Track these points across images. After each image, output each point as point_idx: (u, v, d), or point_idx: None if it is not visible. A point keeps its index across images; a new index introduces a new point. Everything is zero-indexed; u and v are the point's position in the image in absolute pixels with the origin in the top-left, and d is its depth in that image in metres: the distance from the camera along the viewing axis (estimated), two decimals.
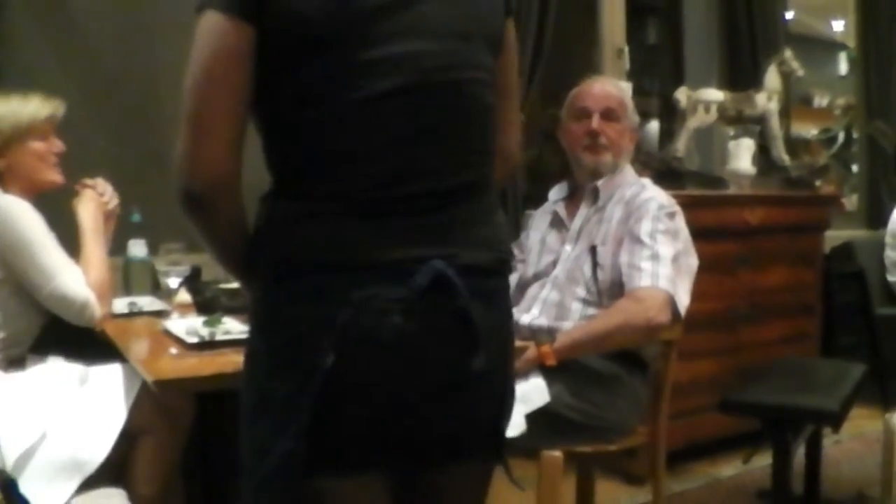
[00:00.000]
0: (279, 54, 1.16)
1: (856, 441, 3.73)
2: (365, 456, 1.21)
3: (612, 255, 2.25)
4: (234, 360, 1.69)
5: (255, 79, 1.18)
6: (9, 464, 1.84)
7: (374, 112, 1.16)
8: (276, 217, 1.22)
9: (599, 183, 2.38)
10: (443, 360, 1.20)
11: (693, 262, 2.32)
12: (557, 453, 2.03)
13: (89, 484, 1.90)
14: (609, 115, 2.37)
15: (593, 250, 2.29)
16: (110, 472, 1.97)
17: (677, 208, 2.31)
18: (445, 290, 1.17)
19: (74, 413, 1.97)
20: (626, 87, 2.58)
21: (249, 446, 1.23)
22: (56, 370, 2.12)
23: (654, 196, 2.31)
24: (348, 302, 1.14)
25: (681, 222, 2.29)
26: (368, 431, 1.19)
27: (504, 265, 1.31)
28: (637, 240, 2.21)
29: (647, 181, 2.43)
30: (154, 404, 2.04)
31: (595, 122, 2.36)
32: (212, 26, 1.16)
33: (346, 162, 1.17)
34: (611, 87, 2.47)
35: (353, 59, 1.16)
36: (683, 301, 2.22)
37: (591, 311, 2.27)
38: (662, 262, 2.17)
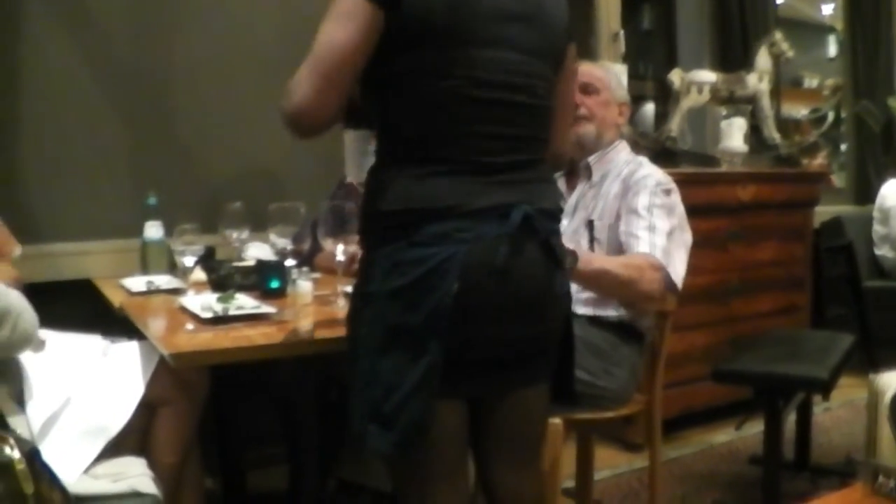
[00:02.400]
0: (400, 38, 1.43)
1: (844, 408, 3.83)
2: (466, 376, 1.51)
3: (609, 229, 2.30)
4: (246, 335, 1.79)
5: (373, 58, 1.44)
6: (35, 429, 1.88)
7: (470, 98, 1.47)
8: (400, 177, 1.49)
9: (591, 159, 2.42)
10: (536, 280, 1.54)
11: (688, 237, 2.35)
12: (558, 420, 2.10)
13: (112, 454, 1.95)
14: (586, 88, 2.41)
15: (590, 224, 2.34)
16: (132, 442, 2.03)
17: (673, 186, 2.35)
18: (531, 227, 1.50)
19: (96, 382, 2.02)
20: (614, 68, 2.63)
21: (384, 373, 1.47)
22: (78, 344, 2.18)
23: (652, 173, 2.35)
24: (465, 239, 1.45)
25: (676, 199, 2.33)
26: (482, 347, 1.50)
27: (561, 212, 1.66)
28: (634, 212, 2.26)
29: (643, 159, 2.47)
30: (171, 377, 2.09)
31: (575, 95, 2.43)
32: (353, 5, 1.41)
33: (454, 135, 1.48)
34: (592, 66, 2.52)
35: (461, 55, 1.46)
36: (679, 272, 2.25)
37: None
38: (658, 234, 2.21)
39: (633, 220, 2.25)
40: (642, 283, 2.14)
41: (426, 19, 1.43)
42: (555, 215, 1.61)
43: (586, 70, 2.45)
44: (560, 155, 1.77)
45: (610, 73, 2.52)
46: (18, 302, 1.76)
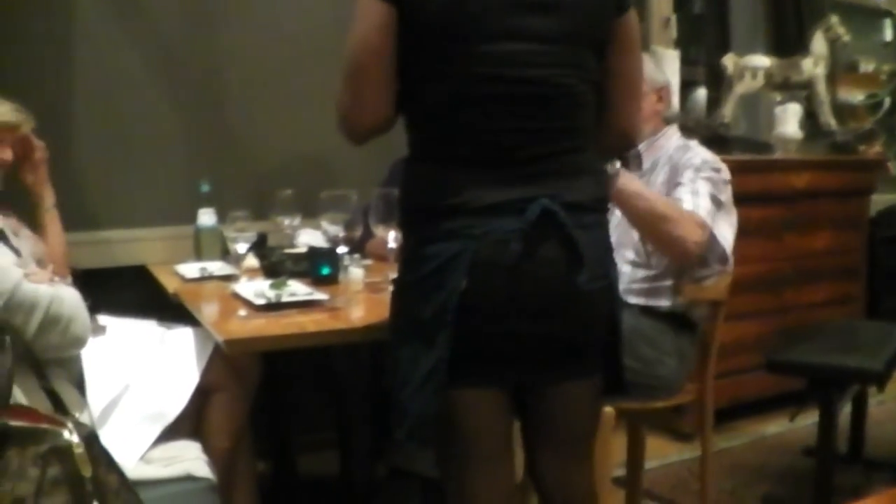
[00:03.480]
0: (413, 34, 1.45)
1: None
2: (492, 367, 1.51)
3: None
4: (298, 321, 1.81)
5: (398, 51, 1.46)
6: (95, 414, 1.93)
7: (483, 94, 1.45)
8: (418, 173, 1.54)
9: (640, 147, 2.39)
10: (553, 278, 1.48)
11: (734, 218, 2.32)
12: (609, 409, 2.07)
13: (168, 438, 1.99)
14: None
15: None
16: (187, 427, 2.07)
17: (723, 166, 2.31)
18: (552, 222, 1.46)
19: (154, 369, 2.07)
20: (656, 53, 2.54)
21: (402, 362, 1.51)
22: (136, 330, 2.22)
23: (699, 153, 2.33)
24: (476, 235, 1.44)
25: (725, 176, 2.29)
26: (496, 343, 1.49)
27: (600, 203, 1.59)
28: (678, 184, 2.24)
29: (693, 143, 2.44)
30: (225, 363, 2.12)
31: None
32: (365, 4, 1.46)
33: (463, 134, 1.48)
34: None
35: (469, 51, 1.45)
36: (727, 240, 2.22)
37: (641, 272, 2.32)
38: (702, 196, 2.18)
39: (678, 189, 2.23)
40: (679, 227, 2.12)
41: (434, 16, 1.43)
42: (587, 207, 1.53)
43: None
44: (625, 130, 1.67)
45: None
46: (71, 309, 1.80)
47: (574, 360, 1.59)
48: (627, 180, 2.10)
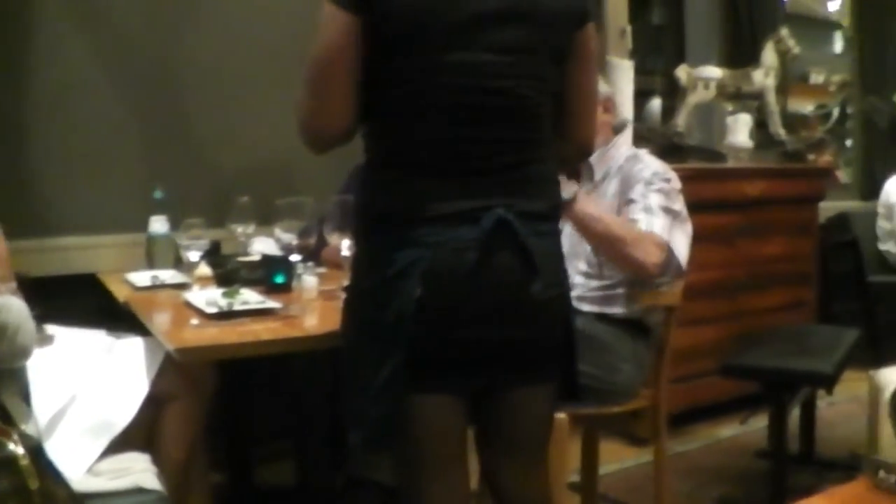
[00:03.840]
0: (378, 44, 1.44)
1: (849, 403, 3.80)
2: (449, 373, 1.51)
3: None
4: (252, 329, 1.79)
5: (362, 61, 1.46)
6: (41, 426, 1.89)
7: (444, 105, 1.46)
8: (374, 180, 1.53)
9: (592, 158, 2.39)
10: (509, 286, 1.50)
11: (688, 227, 2.34)
12: (563, 415, 2.07)
13: (117, 450, 1.94)
14: None
15: None
16: (139, 438, 2.03)
17: (672, 175, 2.34)
18: (507, 231, 1.47)
19: (102, 379, 2.03)
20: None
21: (359, 369, 1.51)
22: (84, 340, 2.18)
23: (648, 164, 2.35)
24: (431, 244, 1.45)
25: (676, 185, 2.32)
26: (452, 350, 1.49)
27: (555, 211, 1.62)
28: (630, 200, 2.26)
29: (642, 152, 2.46)
30: (178, 373, 2.08)
31: None
32: (329, 14, 1.45)
33: (421, 143, 1.48)
34: None
35: (432, 61, 1.45)
36: (682, 253, 2.24)
37: (594, 283, 2.33)
38: (655, 213, 2.21)
39: (630, 207, 2.25)
40: (637, 249, 2.14)
41: (397, 25, 1.43)
42: (543, 216, 1.56)
43: None
44: (581, 141, 1.71)
45: None
46: (17, 317, 1.77)
47: (529, 367, 1.60)
48: (584, 204, 2.13)
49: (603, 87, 2.46)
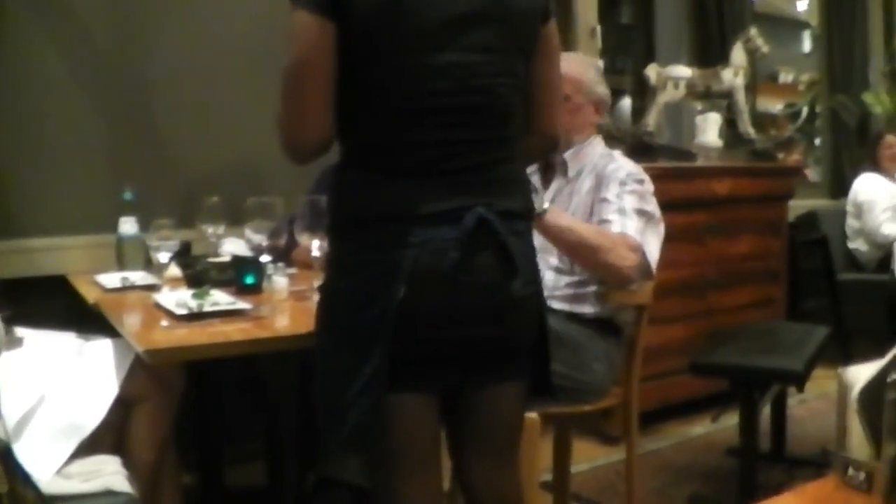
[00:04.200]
0: (352, 50, 1.44)
1: (819, 400, 3.86)
2: (427, 373, 1.51)
3: (585, 221, 2.29)
4: (222, 331, 1.78)
5: (338, 66, 1.45)
6: (9, 428, 1.86)
7: (423, 106, 1.47)
8: (351, 182, 1.53)
9: (567, 155, 2.42)
10: (490, 285, 1.51)
11: (661, 229, 2.37)
12: (534, 415, 2.08)
13: (87, 452, 1.93)
14: None
15: None
16: (108, 441, 2.02)
17: (646, 177, 2.36)
18: (488, 230, 1.48)
19: (71, 381, 2.01)
20: (589, 62, 2.59)
21: (336, 370, 1.50)
22: (53, 342, 2.17)
23: (623, 165, 2.37)
24: (414, 244, 1.45)
25: (649, 188, 2.34)
26: (432, 350, 1.50)
27: (530, 211, 1.64)
28: (604, 200, 2.27)
29: (616, 153, 2.48)
30: (147, 374, 2.08)
31: None
32: (301, 21, 1.44)
33: (400, 144, 1.48)
34: (568, 64, 2.49)
35: (409, 63, 1.46)
36: (653, 255, 2.26)
37: (565, 279, 2.34)
38: (629, 215, 2.22)
39: (604, 207, 2.27)
40: (611, 255, 2.15)
41: (372, 29, 1.43)
42: (518, 215, 1.58)
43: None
44: (549, 134, 1.73)
45: (586, 72, 2.48)
46: None
47: (505, 364, 1.61)
48: (555, 216, 2.14)
49: (600, 89, 2.49)
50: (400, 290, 1.43)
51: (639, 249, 2.20)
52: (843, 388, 1.27)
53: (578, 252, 2.20)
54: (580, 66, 2.50)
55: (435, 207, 1.46)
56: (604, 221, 2.24)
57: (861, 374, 1.23)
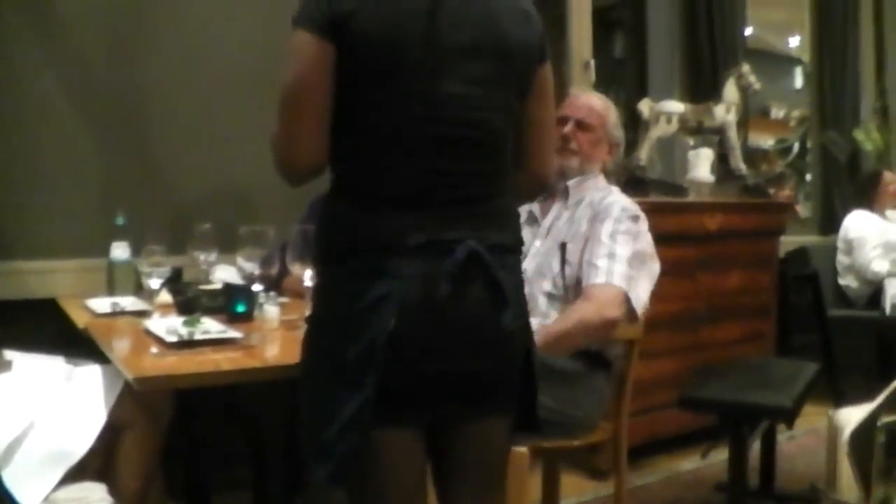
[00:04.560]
0: (349, 73, 1.44)
1: (808, 436, 3.86)
2: (415, 406, 1.50)
3: (580, 253, 2.33)
4: (212, 359, 1.77)
5: (334, 89, 1.45)
6: None
7: (417, 135, 1.47)
8: (342, 211, 1.52)
9: (570, 183, 2.47)
10: (481, 318, 1.50)
11: (655, 267, 2.39)
12: (524, 449, 2.06)
13: (73, 478, 1.93)
14: (583, 124, 2.48)
15: (563, 247, 2.36)
16: (95, 467, 2.02)
17: (641, 213, 2.39)
18: (478, 263, 1.47)
19: (60, 407, 2.00)
20: (613, 107, 2.65)
21: (323, 402, 1.47)
22: (42, 367, 2.16)
23: (618, 200, 2.40)
24: (405, 276, 1.43)
25: (643, 226, 2.37)
26: (421, 383, 1.48)
27: (518, 245, 1.63)
28: (597, 239, 2.30)
29: (614, 188, 2.52)
30: (136, 401, 2.08)
31: (569, 127, 2.48)
32: (301, 41, 1.44)
33: (394, 174, 1.48)
34: (596, 100, 2.57)
35: (406, 91, 1.45)
36: (641, 299, 2.28)
37: (556, 307, 2.34)
38: (618, 261, 2.25)
39: (595, 247, 2.28)
40: (598, 320, 2.20)
41: (371, 54, 1.43)
42: (508, 249, 1.58)
43: (586, 104, 2.51)
44: (539, 175, 1.72)
45: (611, 113, 2.56)
46: None
47: (491, 398, 1.60)
48: (543, 335, 2.15)
49: (617, 133, 2.57)
50: (390, 322, 1.42)
51: (623, 298, 2.23)
52: (834, 431, 1.28)
53: (567, 343, 2.24)
54: (606, 105, 2.59)
55: (426, 239, 1.45)
56: (592, 265, 2.26)
57: (851, 416, 1.24)
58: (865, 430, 1.15)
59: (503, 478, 1.71)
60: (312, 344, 1.56)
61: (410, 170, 1.48)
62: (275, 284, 2.35)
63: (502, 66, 1.53)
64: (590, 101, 2.55)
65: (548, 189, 1.89)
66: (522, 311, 1.61)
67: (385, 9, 1.44)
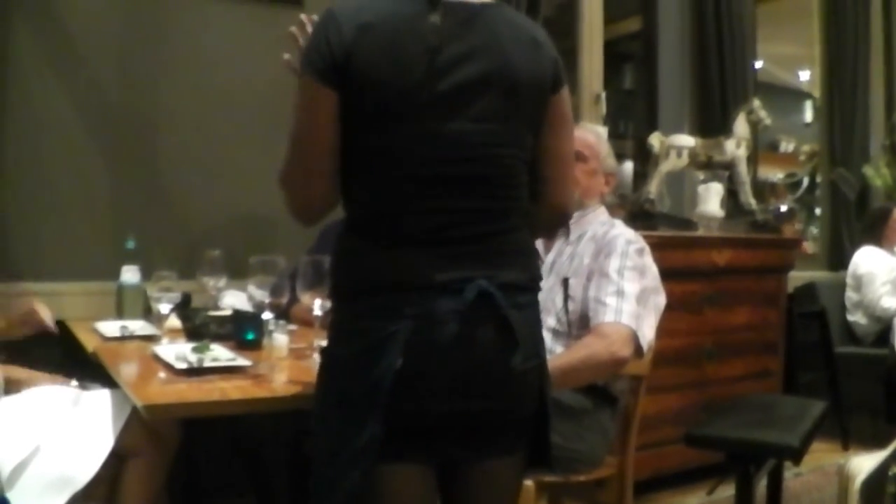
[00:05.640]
0: (356, 117, 1.45)
1: (815, 474, 3.82)
2: (422, 444, 1.48)
3: (583, 288, 2.30)
4: (220, 387, 1.77)
5: (342, 132, 1.47)
6: (3, 477, 1.87)
7: (426, 174, 1.46)
8: (353, 249, 1.52)
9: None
10: (489, 358, 1.48)
11: (661, 300, 2.38)
12: (529, 482, 2.06)
13: None
14: (577, 156, 2.47)
15: (566, 283, 2.34)
16: (100, 494, 2.02)
17: (646, 245, 2.37)
18: (489, 303, 1.45)
19: (66, 432, 2.01)
20: (603, 133, 2.65)
21: (328, 439, 1.50)
22: (50, 391, 2.16)
23: (623, 233, 2.38)
24: (412, 315, 1.43)
25: (648, 259, 2.35)
26: (427, 421, 1.47)
27: (534, 282, 1.59)
28: (605, 275, 2.27)
29: (617, 221, 2.50)
30: (143, 428, 2.07)
31: None
32: (304, 86, 1.47)
33: (402, 214, 1.47)
34: (586, 132, 2.55)
35: (412, 132, 1.45)
36: (647, 336, 2.25)
37: (561, 343, 2.32)
38: (627, 299, 2.22)
39: (603, 283, 2.26)
40: (606, 357, 2.16)
41: (376, 97, 1.44)
42: (522, 287, 1.55)
43: (579, 136, 2.49)
44: (559, 208, 1.69)
45: (602, 142, 2.53)
46: None
47: (502, 438, 1.58)
48: (548, 367, 2.14)
49: (612, 162, 2.54)
50: (397, 361, 1.41)
51: (633, 336, 2.19)
52: (845, 480, 1.27)
53: (574, 379, 2.20)
54: (595, 135, 2.56)
55: (435, 278, 1.44)
56: (600, 303, 2.24)
57: (863, 465, 1.23)
58: (877, 480, 1.14)
59: None
60: (323, 377, 1.56)
61: (419, 209, 1.47)
62: (284, 313, 2.36)
63: (511, 100, 1.51)
64: (580, 133, 2.54)
65: (568, 221, 1.85)
66: (536, 351, 1.58)
67: (386, 51, 1.43)
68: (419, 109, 1.45)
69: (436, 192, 1.47)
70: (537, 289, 1.61)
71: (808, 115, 5.73)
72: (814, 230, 5.48)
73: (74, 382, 2.26)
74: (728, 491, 3.02)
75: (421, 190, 1.46)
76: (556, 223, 1.78)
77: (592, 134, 2.55)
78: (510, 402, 1.55)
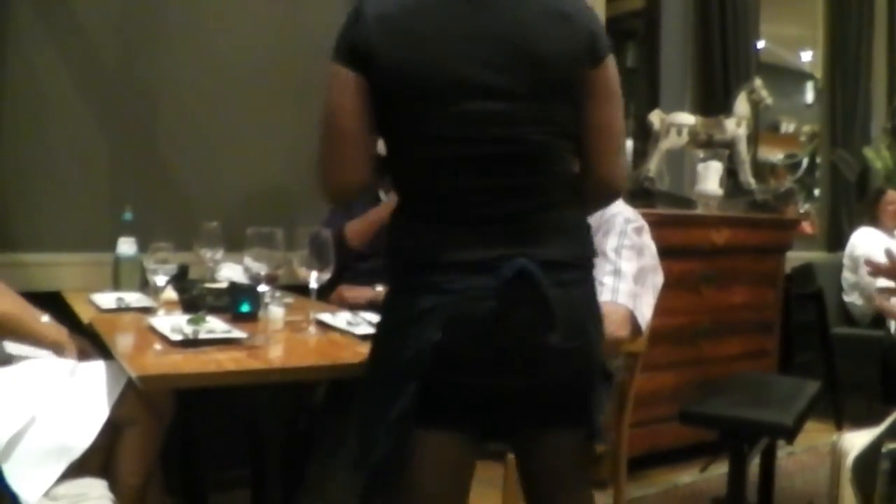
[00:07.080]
0: (385, 101, 1.49)
1: (808, 453, 3.85)
2: (459, 413, 1.54)
3: None
4: (215, 359, 1.77)
5: (375, 114, 1.51)
6: None
7: (455, 155, 1.49)
8: (401, 228, 1.59)
9: None
10: (526, 336, 1.50)
11: (659, 279, 2.38)
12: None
13: (74, 474, 1.92)
14: None
15: None
16: (95, 463, 2.01)
17: (644, 223, 2.37)
18: (528, 280, 1.46)
19: (62, 402, 2.00)
20: None
21: (369, 403, 1.58)
22: (46, 362, 2.16)
23: (622, 211, 2.37)
24: (452, 291, 1.47)
25: (647, 238, 2.35)
26: (465, 393, 1.52)
27: (581, 260, 1.59)
28: (603, 254, 2.26)
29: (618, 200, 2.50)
30: (138, 398, 2.07)
31: None
32: (335, 72, 1.51)
33: (442, 192, 1.51)
34: None
35: (437, 114, 1.48)
36: (646, 315, 2.26)
37: None
38: (623, 278, 2.22)
39: (601, 263, 2.25)
40: (607, 338, 2.14)
41: (399, 82, 1.47)
42: (566, 264, 1.53)
43: None
44: (608, 180, 1.64)
45: None
46: None
47: (546, 414, 1.60)
48: None
49: None
50: (436, 335, 1.46)
51: (629, 316, 2.20)
52: (838, 455, 1.27)
53: None
54: None
55: (474, 255, 1.48)
56: (597, 283, 2.21)
57: (856, 441, 1.23)
58: (869, 457, 1.14)
59: (571, 489, 1.68)
60: (372, 347, 1.64)
61: (453, 188, 1.50)
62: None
63: (537, 76, 1.49)
64: None
65: (618, 195, 1.79)
66: (581, 330, 1.56)
67: (406, 40, 1.46)
68: (443, 91, 1.47)
69: (467, 172, 1.49)
70: (588, 266, 1.61)
71: (810, 97, 5.70)
72: (810, 209, 5.47)
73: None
74: (721, 469, 3.03)
75: (452, 171, 1.50)
76: (604, 197, 1.72)
77: None
78: (546, 380, 1.55)
